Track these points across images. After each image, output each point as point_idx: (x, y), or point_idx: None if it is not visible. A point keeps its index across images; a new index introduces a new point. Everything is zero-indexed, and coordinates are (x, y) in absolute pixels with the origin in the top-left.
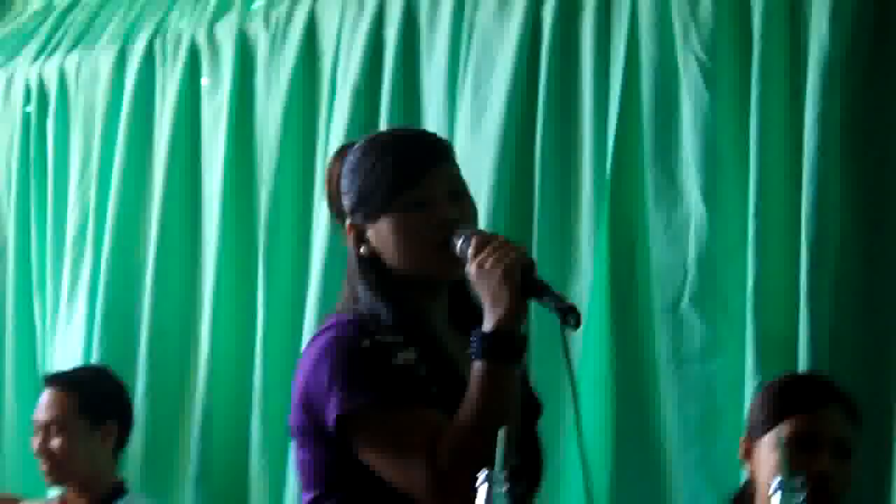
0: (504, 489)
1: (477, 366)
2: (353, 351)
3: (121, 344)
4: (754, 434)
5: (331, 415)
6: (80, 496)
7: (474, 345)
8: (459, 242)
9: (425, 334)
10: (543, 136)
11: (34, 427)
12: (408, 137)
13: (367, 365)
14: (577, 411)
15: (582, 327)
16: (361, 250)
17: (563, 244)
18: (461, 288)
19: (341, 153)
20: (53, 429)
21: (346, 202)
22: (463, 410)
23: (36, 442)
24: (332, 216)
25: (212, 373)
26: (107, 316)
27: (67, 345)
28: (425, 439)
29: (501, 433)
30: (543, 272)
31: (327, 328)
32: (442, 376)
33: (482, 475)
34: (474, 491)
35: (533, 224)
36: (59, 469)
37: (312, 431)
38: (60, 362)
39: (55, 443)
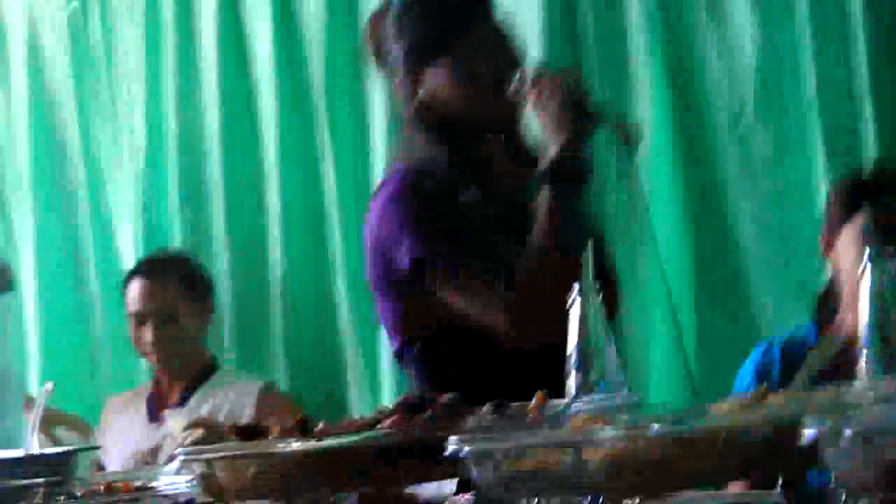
0: (599, 299)
1: (544, 192)
2: (419, 194)
3: (196, 226)
4: (833, 229)
5: (404, 258)
6: (175, 377)
7: (541, 173)
8: (514, 80)
9: (486, 171)
10: None
11: (135, 319)
12: None
13: (434, 206)
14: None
15: (649, 151)
16: (415, 97)
17: (618, 69)
18: (514, 128)
19: (385, 7)
20: (162, 318)
21: (398, 51)
22: (535, 236)
23: (146, 333)
24: (377, 68)
25: (287, 238)
26: (179, 200)
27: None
28: (500, 270)
29: (590, 246)
30: (601, 99)
31: (391, 177)
32: (507, 210)
33: (574, 289)
34: (551, 317)
35: (587, 50)
36: (173, 356)
37: (390, 280)
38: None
39: (169, 331)
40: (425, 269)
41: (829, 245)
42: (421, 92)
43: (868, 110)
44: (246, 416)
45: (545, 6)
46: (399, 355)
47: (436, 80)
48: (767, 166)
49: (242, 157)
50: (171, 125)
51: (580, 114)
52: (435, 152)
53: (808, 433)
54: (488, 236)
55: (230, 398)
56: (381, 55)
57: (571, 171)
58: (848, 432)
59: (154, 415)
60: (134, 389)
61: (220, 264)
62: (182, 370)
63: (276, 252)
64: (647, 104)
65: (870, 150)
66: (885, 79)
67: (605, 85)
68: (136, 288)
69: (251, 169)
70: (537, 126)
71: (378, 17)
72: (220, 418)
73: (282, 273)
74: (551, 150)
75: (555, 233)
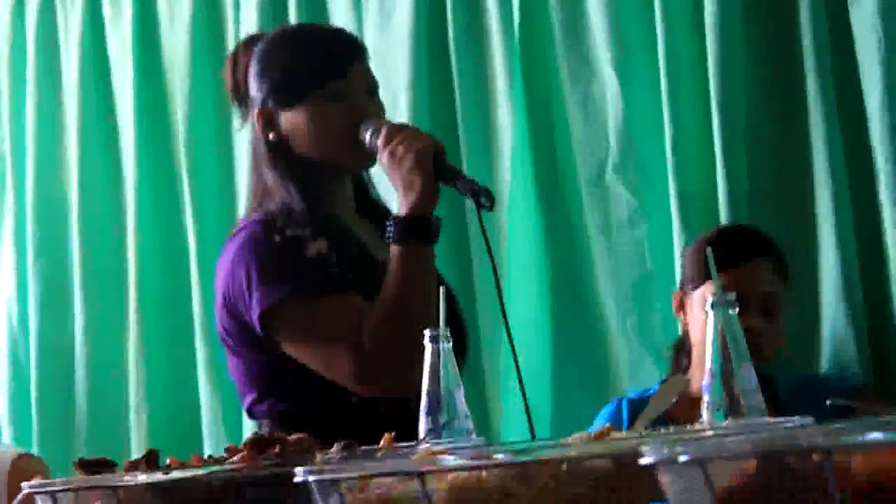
0: (449, 346)
1: (394, 250)
2: (265, 248)
3: (53, 284)
4: (686, 289)
5: (254, 313)
6: None
7: (390, 230)
8: (368, 134)
9: (335, 222)
10: (454, 29)
11: None
12: (330, 32)
13: (281, 259)
14: (500, 295)
15: (508, 208)
16: (270, 136)
17: (485, 130)
18: (362, 180)
19: (250, 42)
20: None
21: (257, 89)
22: (384, 293)
23: None
24: (234, 103)
25: (143, 299)
26: (36, 257)
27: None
28: (347, 325)
29: (442, 294)
30: (469, 159)
31: (238, 231)
32: (355, 263)
33: (427, 333)
34: (399, 371)
35: (455, 113)
36: None
37: (240, 334)
38: None
39: None
40: (274, 322)
41: (682, 303)
42: (273, 131)
43: (721, 177)
44: None
45: (411, 67)
46: (250, 410)
47: (295, 121)
48: (626, 226)
49: (102, 220)
50: (32, 182)
51: (434, 173)
52: (285, 193)
53: (646, 460)
54: (336, 289)
55: None
56: (240, 92)
57: (422, 229)
58: (683, 458)
59: None
60: None
61: (78, 325)
62: None
63: (132, 296)
64: (509, 162)
65: (722, 217)
66: (737, 146)
67: (469, 144)
68: None
69: (109, 212)
70: (390, 178)
71: (239, 52)
72: None
73: (138, 316)
74: (402, 208)
75: (405, 288)
